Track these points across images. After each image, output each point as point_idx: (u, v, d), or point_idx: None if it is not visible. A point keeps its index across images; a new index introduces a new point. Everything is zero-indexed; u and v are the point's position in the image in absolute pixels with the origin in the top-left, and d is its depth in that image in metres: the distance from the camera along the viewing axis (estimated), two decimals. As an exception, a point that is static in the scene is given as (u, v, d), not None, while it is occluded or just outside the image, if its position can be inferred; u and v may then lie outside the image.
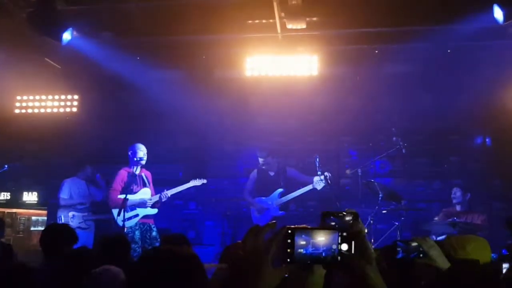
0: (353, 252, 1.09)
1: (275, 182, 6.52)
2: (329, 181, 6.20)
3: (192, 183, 6.26)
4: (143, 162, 5.90)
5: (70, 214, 6.49)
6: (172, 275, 1.25)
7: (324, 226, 1.11)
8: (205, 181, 6.32)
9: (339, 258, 1.08)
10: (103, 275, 2.57)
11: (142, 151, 5.88)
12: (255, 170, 6.73)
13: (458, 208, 6.20)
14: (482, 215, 6.07)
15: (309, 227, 1.10)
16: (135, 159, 5.85)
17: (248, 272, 0.98)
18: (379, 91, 7.41)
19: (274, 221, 1.08)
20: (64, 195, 6.61)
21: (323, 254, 1.08)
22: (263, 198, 6.51)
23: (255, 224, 1.07)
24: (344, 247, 1.09)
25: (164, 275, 1.24)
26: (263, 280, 0.98)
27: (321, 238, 1.09)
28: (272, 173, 6.60)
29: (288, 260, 1.07)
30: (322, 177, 6.19)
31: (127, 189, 5.69)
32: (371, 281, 1.04)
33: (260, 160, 6.60)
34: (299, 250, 1.08)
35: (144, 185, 5.99)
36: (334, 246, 1.09)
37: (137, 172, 5.93)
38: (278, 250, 1.06)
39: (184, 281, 1.26)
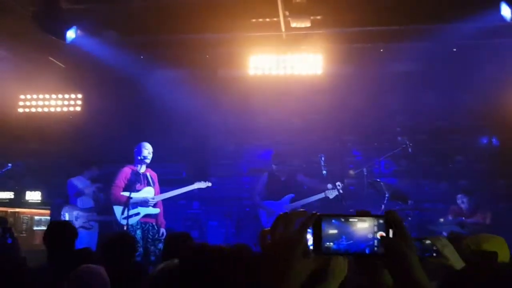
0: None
1: (285, 187, 6.51)
2: (341, 191, 6.18)
3: (197, 185, 6.18)
4: (148, 161, 5.84)
5: (75, 213, 6.46)
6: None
7: (358, 213, 1.00)
8: (209, 184, 6.24)
9: (376, 248, 0.98)
10: (84, 274, 2.53)
11: (147, 150, 5.82)
12: (266, 173, 6.70)
13: (465, 211, 6.16)
14: (486, 213, 6.03)
15: (341, 214, 0.99)
16: (139, 157, 5.79)
17: (278, 262, 0.91)
18: (384, 90, 7.38)
19: (303, 209, 0.99)
20: (72, 194, 6.58)
21: (358, 245, 0.98)
22: (273, 201, 6.49)
23: (284, 212, 0.99)
24: (382, 235, 0.98)
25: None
26: (294, 271, 0.91)
27: (355, 227, 0.99)
28: (282, 178, 6.58)
29: (317, 250, 0.97)
30: (336, 185, 6.18)
31: (131, 187, 5.62)
32: (416, 271, 0.97)
33: (274, 166, 6.63)
34: (330, 240, 0.98)
35: (148, 184, 5.92)
36: (370, 235, 0.98)
37: (142, 171, 5.87)
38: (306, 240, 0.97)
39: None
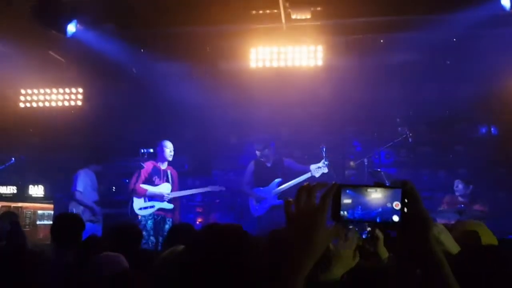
0: (406, 211, 1.02)
1: (272, 173, 6.52)
2: (327, 169, 6.15)
3: (210, 188, 6.50)
4: (169, 159, 6.18)
5: (82, 207, 6.46)
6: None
7: (375, 185, 1.04)
8: (223, 188, 6.49)
9: (394, 217, 1.01)
10: (102, 261, 2.57)
11: (168, 149, 6.17)
12: (252, 162, 6.73)
13: (460, 199, 6.20)
14: (484, 205, 6.07)
15: (358, 184, 1.05)
16: (163, 155, 6.13)
17: (304, 230, 0.96)
18: (384, 81, 7.41)
19: (324, 181, 1.03)
20: (80, 188, 6.56)
21: (372, 214, 1.02)
22: (261, 188, 6.52)
23: (306, 183, 1.03)
24: (397, 206, 1.02)
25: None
26: (319, 238, 0.96)
27: (370, 197, 1.03)
28: (269, 164, 6.60)
29: (336, 218, 1.02)
30: (321, 164, 6.18)
31: (150, 181, 5.99)
32: (433, 240, 1.01)
33: (257, 152, 6.63)
34: (345, 209, 1.02)
35: (167, 181, 6.21)
36: (385, 205, 1.02)
37: (163, 168, 6.15)
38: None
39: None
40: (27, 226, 7.32)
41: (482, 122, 7.66)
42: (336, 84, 7.46)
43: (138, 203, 5.97)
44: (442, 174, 7.54)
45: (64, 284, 2.90)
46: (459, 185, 6.19)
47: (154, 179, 6.05)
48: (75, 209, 6.46)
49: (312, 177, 6.33)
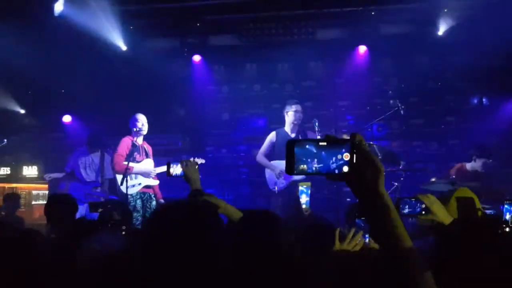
0: (354, 162, 1.06)
1: None
2: None
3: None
4: (143, 132, 5.81)
5: (78, 185, 6.28)
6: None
7: (327, 138, 1.09)
8: (203, 160, 6.19)
9: (344, 168, 1.06)
10: (100, 240, 2.59)
11: (140, 122, 5.78)
12: (274, 132, 6.03)
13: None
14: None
15: (312, 139, 1.09)
16: (135, 129, 5.78)
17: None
18: (376, 53, 7.37)
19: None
20: (68, 168, 6.48)
21: (328, 166, 1.07)
22: (283, 161, 5.60)
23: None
24: (347, 157, 1.06)
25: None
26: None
27: (325, 150, 1.07)
28: (293, 135, 6.02)
29: (290, 171, 1.07)
30: None
31: (130, 157, 5.66)
32: (382, 186, 1.05)
33: (288, 108, 5.99)
34: (304, 163, 1.07)
35: (147, 156, 5.94)
36: (340, 157, 1.07)
37: (140, 143, 5.87)
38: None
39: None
40: (22, 207, 7.33)
41: (473, 93, 7.68)
42: (328, 57, 7.42)
43: (123, 183, 5.55)
44: (434, 145, 7.60)
45: (58, 263, 2.93)
46: (487, 163, 6.10)
47: (135, 156, 5.71)
48: (70, 185, 6.28)
49: None
